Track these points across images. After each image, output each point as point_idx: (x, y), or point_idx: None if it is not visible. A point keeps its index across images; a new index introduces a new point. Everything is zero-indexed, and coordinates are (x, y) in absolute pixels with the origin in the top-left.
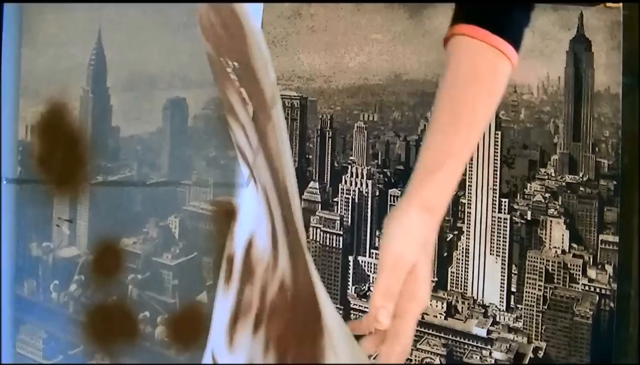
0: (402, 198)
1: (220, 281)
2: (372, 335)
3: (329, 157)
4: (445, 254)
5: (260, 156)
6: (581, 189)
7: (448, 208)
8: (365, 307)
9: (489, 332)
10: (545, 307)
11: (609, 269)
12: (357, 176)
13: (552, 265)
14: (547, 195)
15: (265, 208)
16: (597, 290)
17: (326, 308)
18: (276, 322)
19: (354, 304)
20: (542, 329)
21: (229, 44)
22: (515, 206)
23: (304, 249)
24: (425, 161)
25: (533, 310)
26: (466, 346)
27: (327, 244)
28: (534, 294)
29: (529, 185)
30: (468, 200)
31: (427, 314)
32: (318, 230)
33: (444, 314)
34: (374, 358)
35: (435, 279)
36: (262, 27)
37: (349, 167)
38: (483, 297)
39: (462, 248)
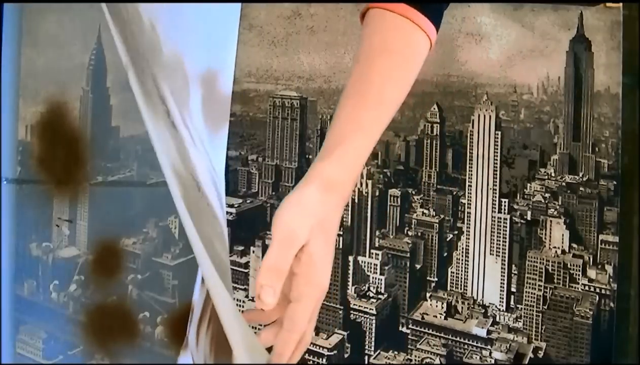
0: (306, 173)
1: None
2: (270, 325)
3: None
4: (445, 254)
5: None
6: (581, 189)
7: (448, 208)
8: (365, 307)
9: (489, 332)
10: (545, 307)
11: (609, 269)
12: None
13: (552, 265)
14: (547, 195)
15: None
16: (597, 290)
17: (221, 301)
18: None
19: (354, 304)
20: (542, 329)
21: None
22: (515, 206)
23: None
24: (330, 136)
25: (533, 310)
26: (466, 346)
27: None
28: (534, 294)
29: (529, 185)
30: (468, 200)
31: (427, 314)
32: None
33: (444, 314)
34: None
35: (436, 279)
36: (262, 27)
37: None
38: (483, 297)
39: (462, 248)
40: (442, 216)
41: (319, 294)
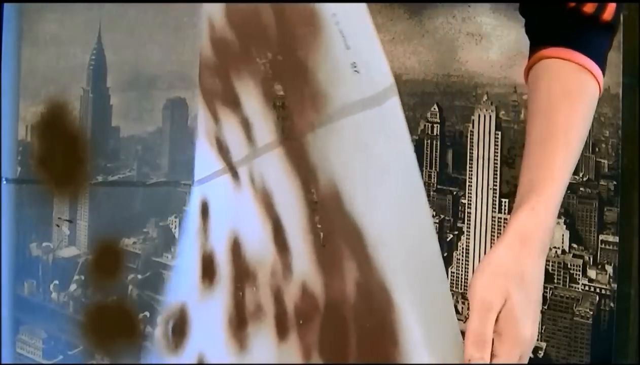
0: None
1: (192, 280)
2: None
3: None
4: (446, 254)
5: (267, 155)
6: (581, 189)
7: (448, 208)
8: None
9: None
10: (545, 307)
11: (609, 269)
12: None
13: (552, 265)
14: None
15: (260, 207)
16: (597, 290)
17: (407, 313)
18: (311, 327)
19: None
20: (542, 329)
21: (269, 34)
22: None
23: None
24: (521, 187)
25: None
26: None
27: None
28: None
29: None
30: (468, 200)
31: None
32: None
33: None
34: None
35: None
36: None
37: None
38: None
39: (462, 248)
40: (442, 216)
41: (522, 349)
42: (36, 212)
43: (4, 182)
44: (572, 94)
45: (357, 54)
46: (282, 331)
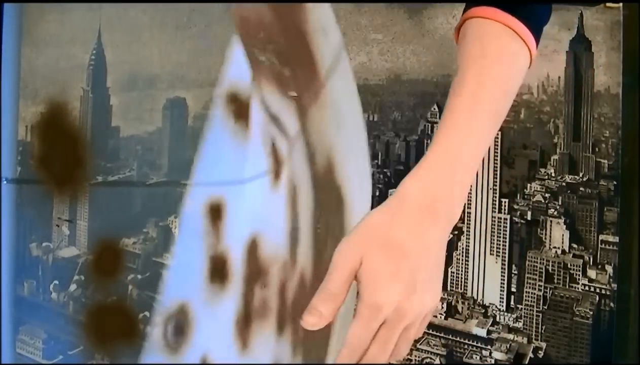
0: None
1: (196, 280)
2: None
3: None
4: (446, 254)
5: (299, 144)
6: (581, 189)
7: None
8: None
9: (489, 332)
10: (545, 307)
11: (609, 269)
12: None
13: (552, 265)
14: (547, 195)
15: (289, 205)
16: (597, 290)
17: None
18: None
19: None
20: (542, 329)
21: (265, 22)
22: (515, 206)
23: None
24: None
25: (533, 310)
26: (466, 346)
27: None
28: (534, 294)
29: (529, 185)
30: (468, 200)
31: None
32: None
33: (444, 314)
34: None
35: None
36: None
37: None
38: (483, 297)
39: (462, 248)
40: None
41: (379, 314)
42: (36, 212)
43: (4, 182)
44: (489, 53)
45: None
46: (281, 326)
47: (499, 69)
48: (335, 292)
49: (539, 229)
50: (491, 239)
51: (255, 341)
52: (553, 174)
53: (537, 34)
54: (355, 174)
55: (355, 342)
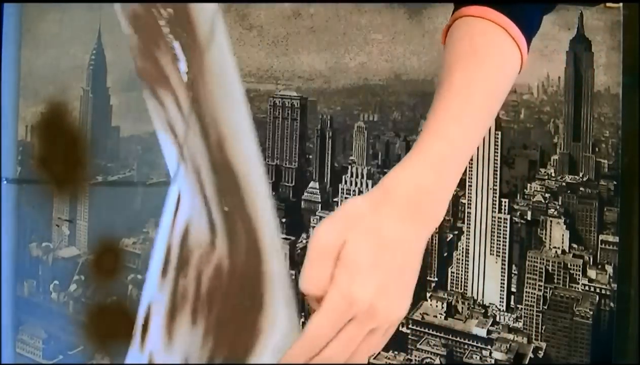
0: None
1: (155, 277)
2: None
3: (329, 157)
4: (446, 254)
5: (192, 122)
6: (581, 189)
7: (448, 208)
8: None
9: (489, 332)
10: (545, 307)
11: (609, 269)
12: (357, 176)
13: (552, 265)
14: (547, 195)
15: (197, 187)
16: (597, 290)
17: (274, 288)
18: (214, 309)
19: None
20: (542, 329)
21: None
22: (515, 206)
23: (255, 223)
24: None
25: (533, 310)
26: (466, 346)
27: None
28: (534, 294)
29: (529, 185)
30: (468, 200)
31: (427, 314)
32: None
33: (444, 314)
34: None
35: (436, 279)
36: (262, 27)
37: (349, 167)
38: (483, 297)
39: (462, 248)
40: None
41: (351, 308)
42: (36, 212)
43: (4, 182)
44: (479, 50)
45: None
46: (194, 314)
47: (490, 66)
48: (314, 276)
49: (539, 229)
50: (491, 239)
51: (177, 334)
52: (553, 174)
53: (528, 37)
54: (245, 149)
55: (316, 334)
